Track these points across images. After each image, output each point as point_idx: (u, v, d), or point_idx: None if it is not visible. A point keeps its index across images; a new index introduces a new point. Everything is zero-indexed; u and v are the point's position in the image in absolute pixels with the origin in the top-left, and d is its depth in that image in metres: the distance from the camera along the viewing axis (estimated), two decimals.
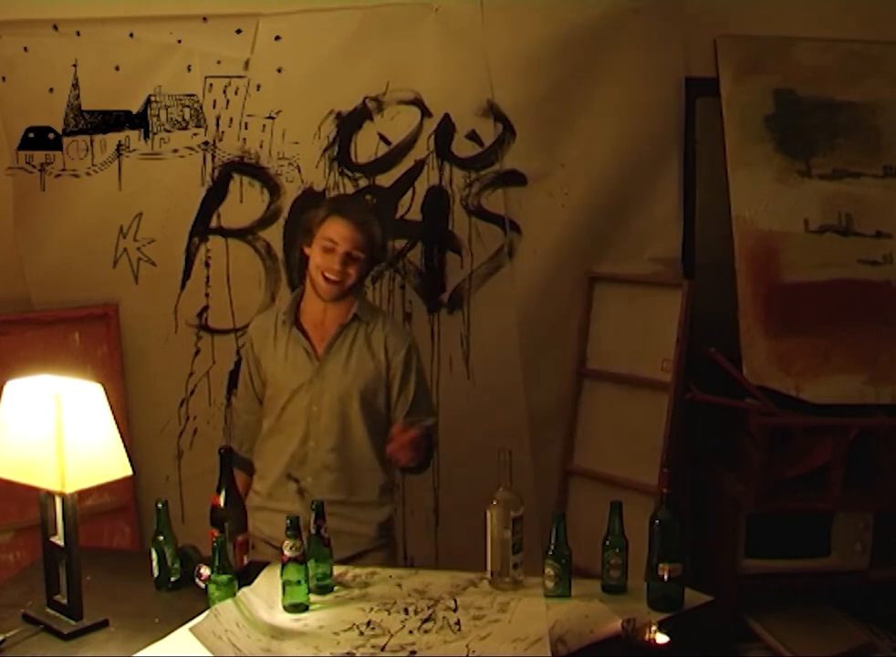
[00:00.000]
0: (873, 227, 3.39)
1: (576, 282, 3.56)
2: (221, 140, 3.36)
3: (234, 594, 2.24)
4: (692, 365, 3.37)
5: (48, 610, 2.27)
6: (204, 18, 3.29)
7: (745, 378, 3.21)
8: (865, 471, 3.20)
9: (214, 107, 3.35)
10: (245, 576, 2.39)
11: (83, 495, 2.25)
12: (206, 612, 2.17)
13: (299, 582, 2.28)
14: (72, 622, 2.22)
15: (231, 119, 3.36)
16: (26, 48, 3.24)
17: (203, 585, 2.33)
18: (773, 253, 3.34)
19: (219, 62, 3.32)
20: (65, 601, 2.25)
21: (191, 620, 2.18)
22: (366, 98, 3.38)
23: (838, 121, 3.45)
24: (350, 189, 3.42)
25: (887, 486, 3.17)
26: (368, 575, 2.48)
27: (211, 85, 3.33)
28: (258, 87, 3.34)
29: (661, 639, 2.06)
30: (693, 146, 3.51)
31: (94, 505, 3.29)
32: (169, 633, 2.17)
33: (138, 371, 3.44)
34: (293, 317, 2.72)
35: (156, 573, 2.40)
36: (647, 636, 2.06)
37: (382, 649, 2.13)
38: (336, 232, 2.61)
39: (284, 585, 2.29)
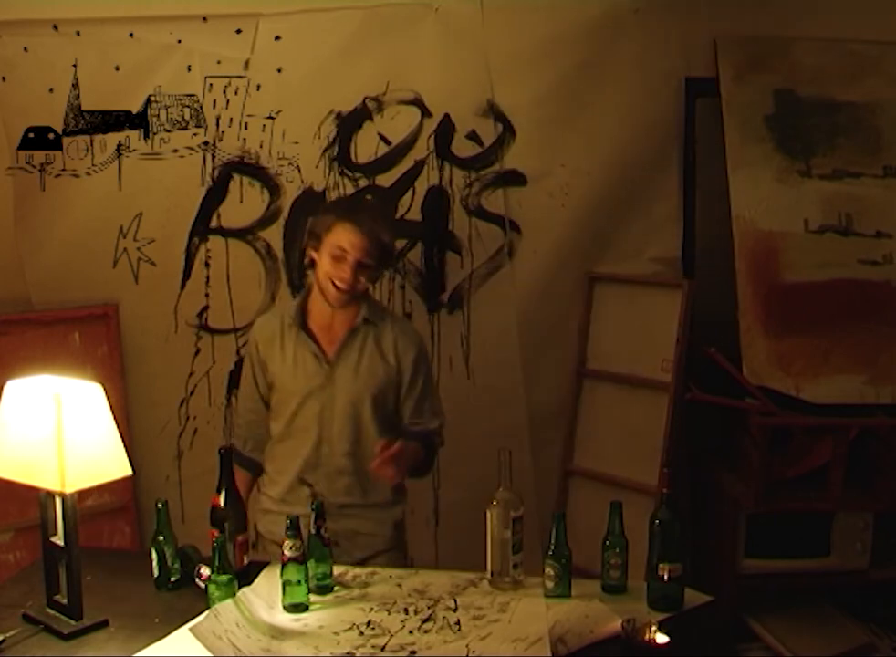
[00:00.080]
0: (873, 227, 3.39)
1: (576, 282, 3.56)
2: (221, 140, 3.36)
3: (234, 594, 2.24)
4: (692, 365, 3.37)
5: (48, 610, 2.27)
6: (204, 18, 3.29)
7: (745, 378, 3.21)
8: (865, 471, 3.20)
9: (214, 107, 3.35)
10: (245, 576, 2.39)
11: (83, 495, 2.25)
12: (206, 612, 2.17)
13: (299, 582, 2.28)
14: (72, 622, 2.22)
15: (231, 120, 3.36)
16: (26, 48, 3.24)
17: (203, 585, 2.33)
18: (773, 253, 3.34)
19: (219, 62, 3.32)
20: (65, 601, 2.25)
21: (191, 620, 2.18)
22: (366, 98, 3.38)
23: (838, 121, 3.45)
24: (350, 189, 3.42)
25: (887, 486, 3.17)
26: (368, 575, 2.48)
27: (211, 85, 3.33)
28: (258, 87, 3.34)
29: (661, 639, 2.06)
30: (693, 146, 3.51)
31: (94, 505, 3.29)
32: (169, 633, 2.17)
33: (138, 371, 3.44)
34: (300, 320, 2.68)
35: (156, 573, 2.40)
36: (647, 636, 2.06)
37: (382, 649, 2.13)
38: (347, 240, 2.55)
39: (284, 585, 2.29)
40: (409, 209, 3.45)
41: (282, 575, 2.29)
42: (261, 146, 3.38)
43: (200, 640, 2.09)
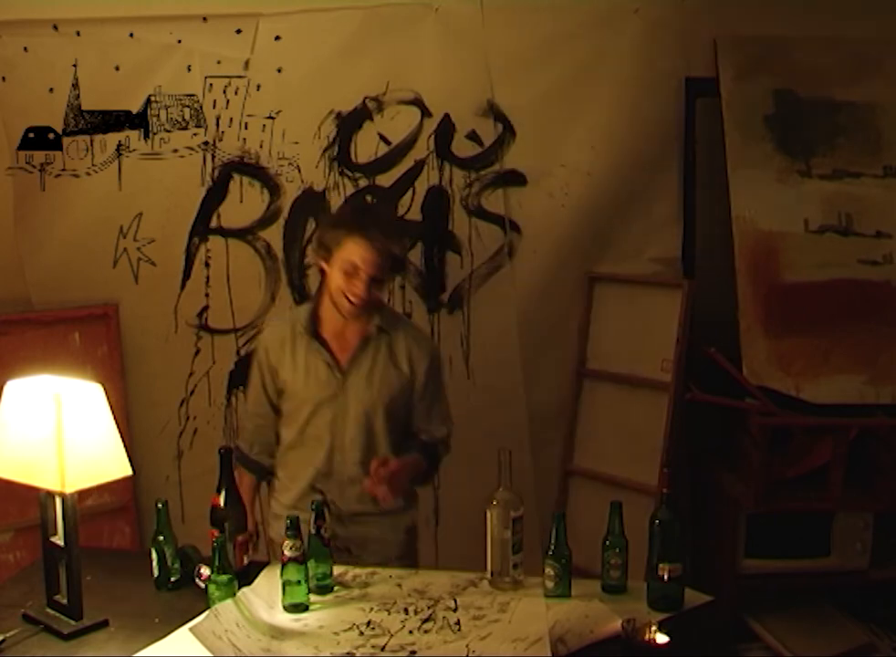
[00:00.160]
0: (873, 227, 3.39)
1: (576, 282, 3.56)
2: (221, 140, 3.37)
3: (234, 594, 2.24)
4: (692, 365, 3.37)
5: (48, 610, 2.27)
6: (204, 18, 3.29)
7: (745, 378, 3.21)
8: (865, 471, 3.20)
9: (214, 107, 3.35)
10: (245, 576, 2.39)
11: (83, 495, 2.25)
12: (206, 612, 2.17)
13: (299, 582, 2.28)
14: (72, 622, 2.22)
15: (231, 120, 3.36)
16: (26, 48, 3.24)
17: (203, 585, 2.33)
18: (773, 253, 3.34)
19: (219, 62, 3.32)
20: (65, 601, 2.25)
21: (191, 620, 2.18)
22: (366, 98, 3.38)
23: (838, 121, 3.45)
24: (350, 189, 3.43)
25: (887, 486, 3.17)
26: (368, 575, 2.48)
27: (211, 85, 3.33)
28: (258, 87, 3.34)
29: (661, 639, 2.06)
30: (693, 146, 3.51)
31: (94, 505, 3.29)
32: (169, 633, 2.17)
33: (138, 371, 3.45)
34: (311, 328, 2.62)
35: (156, 573, 2.40)
36: (647, 636, 2.06)
37: (382, 649, 2.13)
38: (359, 256, 2.49)
39: (284, 585, 2.29)
40: (409, 209, 3.45)
41: (282, 575, 2.29)
42: (261, 146, 3.38)
43: (200, 640, 2.09)
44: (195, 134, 3.36)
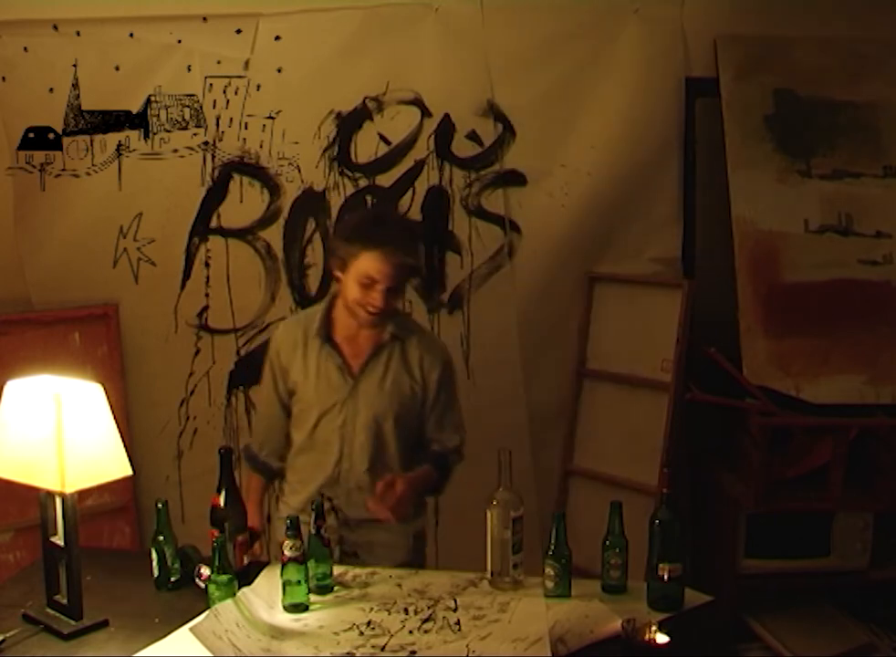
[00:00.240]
0: (873, 227, 3.39)
1: (576, 282, 3.56)
2: (221, 140, 3.37)
3: (234, 594, 2.24)
4: (692, 365, 3.37)
5: (48, 610, 2.27)
6: (204, 18, 3.29)
7: (745, 378, 3.21)
8: (865, 471, 3.20)
9: (214, 107, 3.35)
10: (245, 576, 2.39)
11: (83, 495, 2.25)
12: (206, 612, 2.17)
13: (299, 582, 2.28)
14: (72, 622, 2.22)
15: (231, 120, 3.36)
16: (26, 48, 3.24)
17: (203, 585, 2.33)
18: (773, 253, 3.34)
19: (219, 62, 3.32)
20: (65, 601, 2.25)
21: (191, 620, 2.18)
22: (366, 98, 3.38)
23: (838, 121, 3.45)
24: (350, 189, 3.43)
25: (887, 486, 3.17)
26: (368, 575, 2.48)
27: (211, 85, 3.33)
28: (258, 87, 3.34)
29: (661, 639, 2.06)
30: (693, 146, 3.51)
31: (94, 505, 3.29)
32: (169, 633, 2.17)
33: (138, 371, 3.45)
34: (324, 331, 2.59)
35: (156, 573, 2.40)
36: (647, 636, 2.06)
37: (382, 649, 2.13)
38: (375, 269, 2.44)
39: (284, 585, 2.29)
40: (409, 209, 3.45)
41: (282, 575, 2.29)
42: (261, 146, 3.38)
43: (200, 640, 2.09)
44: (195, 134, 3.36)
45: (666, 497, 2.31)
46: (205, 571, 2.34)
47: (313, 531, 2.35)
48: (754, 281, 3.31)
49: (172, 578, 2.40)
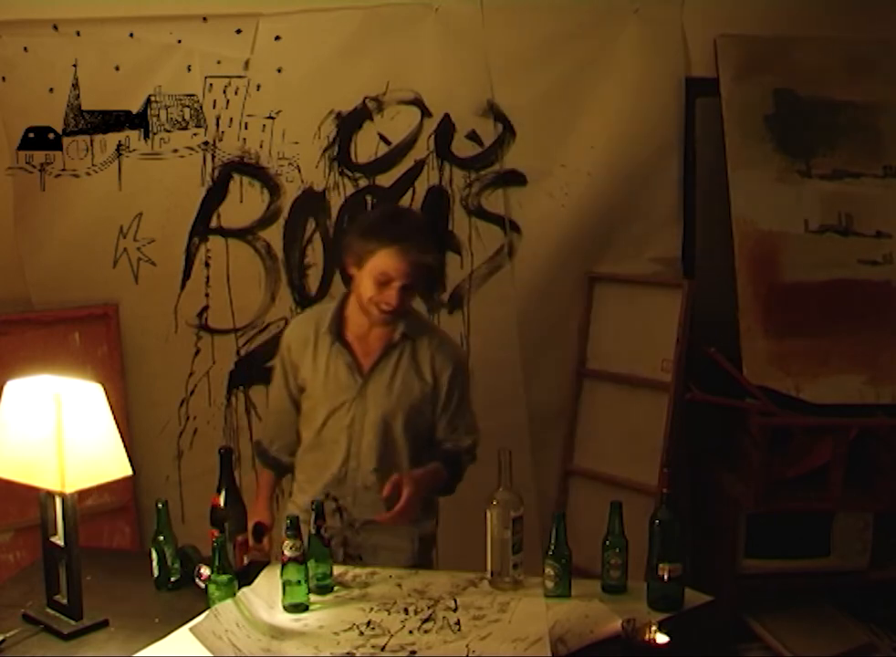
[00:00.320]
0: (873, 227, 3.39)
1: (576, 282, 3.56)
2: (221, 140, 3.37)
3: (234, 594, 2.24)
4: (692, 365, 3.37)
5: (48, 610, 2.27)
6: (204, 18, 3.29)
7: (745, 378, 3.21)
8: (865, 471, 3.20)
9: (214, 107, 3.35)
10: (245, 576, 2.39)
11: (83, 495, 2.25)
12: (206, 612, 2.17)
13: (299, 582, 2.28)
14: (72, 622, 2.22)
15: (231, 120, 3.36)
16: (26, 48, 3.24)
17: (203, 585, 2.33)
18: (773, 253, 3.34)
19: (219, 62, 3.32)
20: (65, 601, 2.25)
21: (191, 620, 2.18)
22: (366, 98, 3.38)
23: (839, 121, 3.45)
24: (350, 189, 3.43)
25: (887, 486, 3.17)
26: (368, 575, 2.48)
27: (211, 85, 3.33)
28: (258, 87, 3.34)
29: (661, 639, 2.06)
30: (693, 146, 3.51)
31: (94, 505, 3.29)
32: (169, 633, 2.17)
33: (138, 371, 3.44)
34: (336, 329, 2.57)
35: (156, 573, 2.40)
36: (647, 636, 2.06)
37: (382, 649, 2.13)
38: (392, 267, 2.43)
39: (284, 585, 2.29)
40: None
41: (282, 575, 2.29)
42: (261, 146, 3.38)
43: (200, 640, 2.09)
44: (195, 134, 3.36)
45: (666, 497, 2.31)
46: (205, 571, 2.34)
47: (313, 531, 2.35)
48: (754, 281, 3.31)
49: (172, 578, 2.40)
